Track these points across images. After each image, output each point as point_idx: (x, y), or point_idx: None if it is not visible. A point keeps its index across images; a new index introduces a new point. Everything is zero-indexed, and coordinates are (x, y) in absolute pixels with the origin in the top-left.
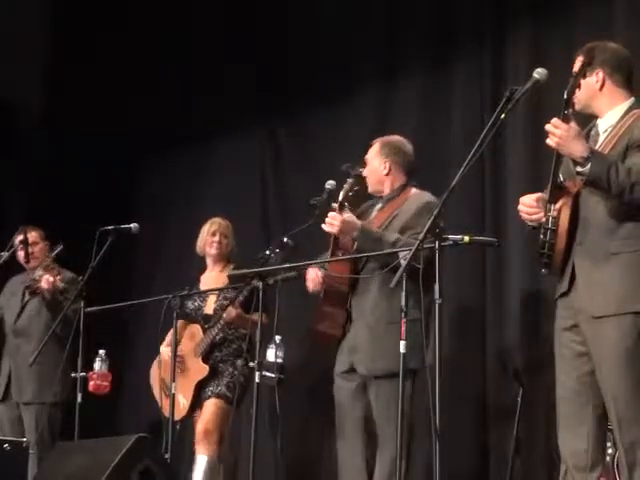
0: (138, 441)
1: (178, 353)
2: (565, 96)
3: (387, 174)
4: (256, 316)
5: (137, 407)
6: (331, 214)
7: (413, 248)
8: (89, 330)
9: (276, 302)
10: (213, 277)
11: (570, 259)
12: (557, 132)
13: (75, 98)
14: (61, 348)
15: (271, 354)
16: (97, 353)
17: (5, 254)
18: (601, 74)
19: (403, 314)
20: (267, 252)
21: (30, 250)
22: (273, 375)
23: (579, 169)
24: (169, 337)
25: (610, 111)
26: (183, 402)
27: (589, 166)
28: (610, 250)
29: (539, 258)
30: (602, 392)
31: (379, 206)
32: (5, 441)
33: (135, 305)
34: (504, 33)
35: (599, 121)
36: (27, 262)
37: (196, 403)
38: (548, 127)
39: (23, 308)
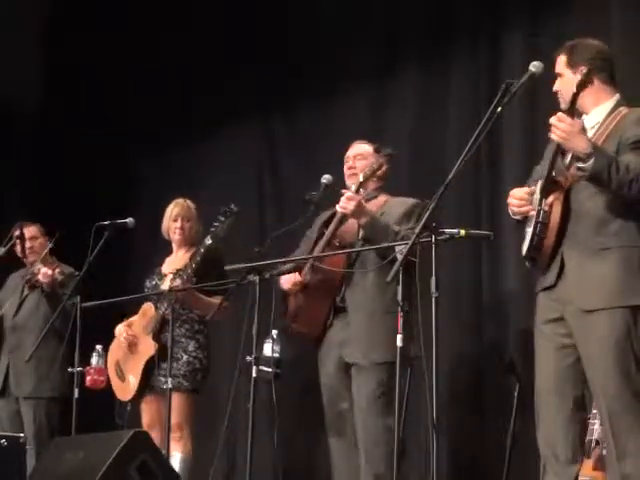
0: (135, 436)
1: (130, 333)
2: (577, 83)
3: (381, 175)
4: (215, 299)
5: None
6: (348, 194)
7: (409, 242)
8: (86, 325)
9: (273, 296)
10: (178, 259)
11: (558, 253)
12: (561, 126)
13: (75, 98)
14: (60, 343)
15: (268, 349)
16: (94, 348)
17: (1, 249)
18: (584, 70)
19: (400, 308)
20: (216, 224)
21: (29, 245)
22: (270, 370)
23: (580, 165)
24: (132, 318)
25: (596, 108)
26: (133, 382)
27: (592, 162)
28: (601, 245)
29: (526, 252)
30: (590, 385)
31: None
32: (2, 436)
33: (132, 299)
34: (500, 31)
35: (585, 118)
36: (24, 257)
37: (145, 384)
38: (552, 120)
39: (22, 303)
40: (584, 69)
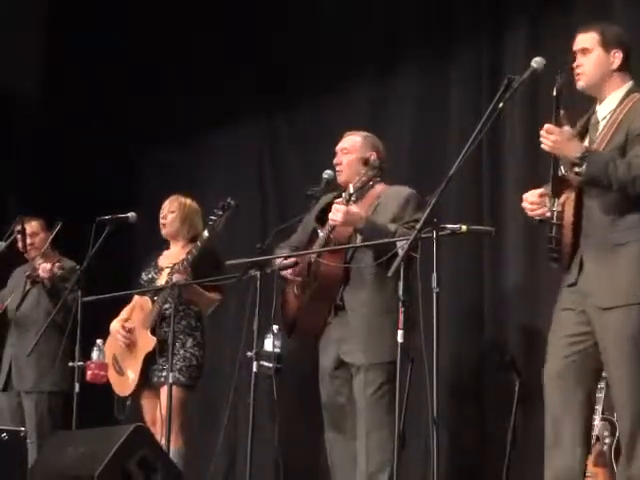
0: (136, 430)
1: (128, 327)
2: (554, 92)
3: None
4: (213, 294)
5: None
6: (336, 206)
7: (411, 238)
8: (87, 319)
9: (274, 291)
10: (174, 253)
11: (578, 251)
12: (551, 137)
13: (75, 97)
14: (61, 337)
15: (269, 344)
16: (95, 343)
17: (2, 244)
18: (620, 54)
19: (401, 303)
20: (213, 217)
21: (30, 241)
22: (271, 365)
23: (577, 169)
24: (124, 312)
25: (610, 95)
26: (132, 377)
27: (585, 166)
28: (616, 241)
29: (548, 253)
30: (609, 381)
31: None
32: (3, 430)
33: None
34: (502, 31)
35: (598, 107)
36: (26, 252)
37: (144, 379)
38: (542, 134)
39: (24, 297)
40: (619, 53)
